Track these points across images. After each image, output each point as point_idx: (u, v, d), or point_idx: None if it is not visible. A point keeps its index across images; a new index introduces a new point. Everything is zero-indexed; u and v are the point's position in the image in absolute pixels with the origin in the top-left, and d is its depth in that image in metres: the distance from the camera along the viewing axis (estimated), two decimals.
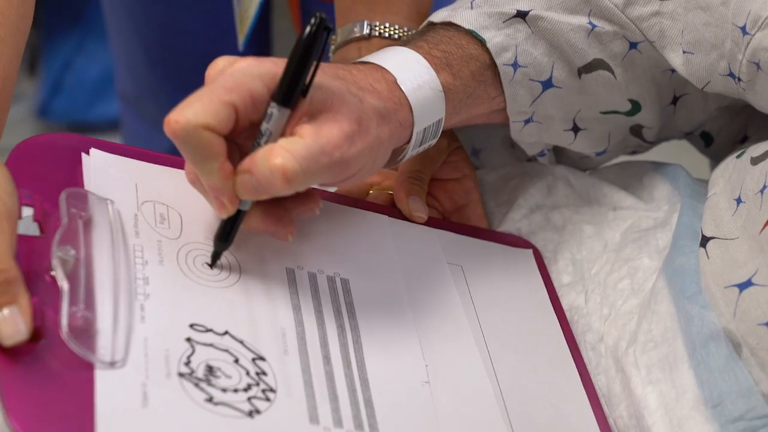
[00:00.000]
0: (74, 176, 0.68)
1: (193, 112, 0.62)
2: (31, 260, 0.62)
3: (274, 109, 0.64)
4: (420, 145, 0.74)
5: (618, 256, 0.79)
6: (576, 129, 0.81)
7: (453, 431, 0.66)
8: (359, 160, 0.67)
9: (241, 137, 0.66)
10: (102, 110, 1.90)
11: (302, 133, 0.64)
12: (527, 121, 0.79)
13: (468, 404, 0.68)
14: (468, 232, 0.81)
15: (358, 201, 0.78)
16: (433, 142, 0.75)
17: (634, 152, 0.88)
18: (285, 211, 0.69)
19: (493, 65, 0.76)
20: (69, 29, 1.94)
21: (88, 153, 0.70)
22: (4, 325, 0.58)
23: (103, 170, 0.69)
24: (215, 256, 0.68)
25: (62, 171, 0.68)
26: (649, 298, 0.73)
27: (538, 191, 0.84)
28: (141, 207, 0.69)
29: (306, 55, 0.63)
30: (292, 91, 0.64)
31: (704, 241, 0.72)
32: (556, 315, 0.77)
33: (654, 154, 0.88)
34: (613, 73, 0.78)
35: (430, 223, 0.79)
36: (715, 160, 0.87)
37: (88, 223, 0.65)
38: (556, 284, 0.80)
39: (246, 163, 0.64)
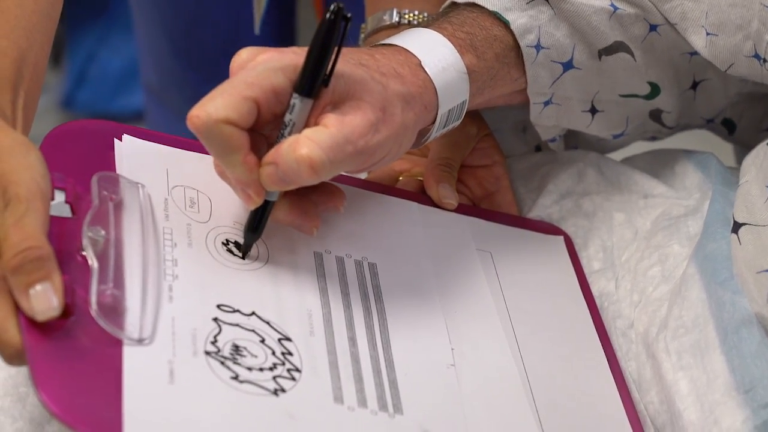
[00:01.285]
0: (106, 161, 0.70)
1: (215, 107, 0.64)
2: (63, 241, 0.64)
3: (296, 100, 0.66)
4: (444, 127, 0.75)
5: (648, 243, 0.80)
6: (594, 111, 0.82)
7: (477, 414, 0.68)
8: (384, 147, 0.68)
9: (267, 129, 0.67)
10: (125, 102, 1.93)
11: (326, 122, 0.66)
12: (546, 103, 0.81)
13: (493, 388, 0.70)
14: (498, 218, 0.82)
15: (387, 188, 0.80)
16: (457, 123, 0.76)
17: (653, 138, 0.90)
18: (311, 205, 0.70)
19: (517, 47, 0.78)
20: (93, 21, 1.97)
21: (120, 139, 0.72)
22: (36, 300, 0.60)
23: (134, 155, 0.71)
24: (246, 248, 0.69)
25: (94, 156, 0.70)
26: (680, 284, 0.75)
27: (569, 177, 0.86)
28: (171, 191, 0.71)
29: (325, 45, 0.65)
30: (313, 82, 0.65)
31: (736, 227, 0.73)
32: (587, 302, 0.79)
33: (680, 145, 0.89)
34: (633, 55, 0.80)
35: (460, 209, 0.80)
36: (741, 146, 0.89)
37: (118, 206, 0.67)
38: (586, 270, 0.81)
39: (271, 154, 0.66)
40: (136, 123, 1.79)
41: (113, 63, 1.95)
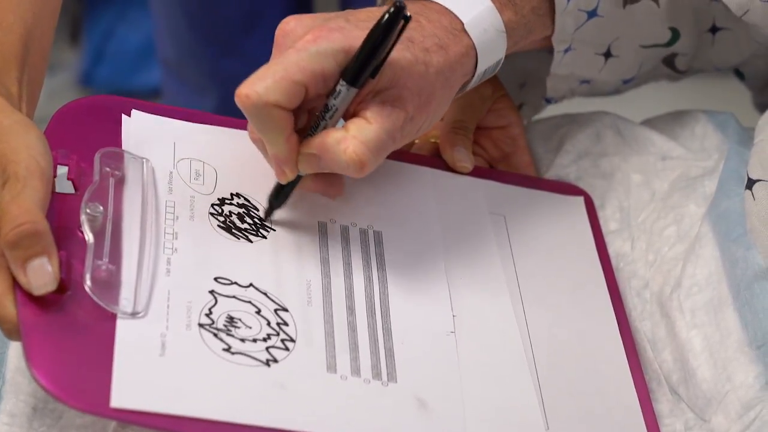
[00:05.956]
0: (113, 137, 0.76)
1: (265, 89, 0.69)
2: (64, 217, 0.69)
3: (342, 87, 0.71)
4: (478, 82, 0.80)
5: (665, 204, 0.84)
6: (608, 55, 0.86)
7: (475, 381, 0.72)
8: (419, 130, 0.75)
9: (309, 105, 0.73)
10: (143, 78, 2.00)
11: (369, 116, 0.71)
12: (567, 51, 0.85)
13: (493, 355, 0.74)
14: (515, 180, 0.86)
15: (401, 153, 0.84)
16: (490, 76, 0.81)
17: (670, 78, 0.93)
18: (336, 176, 0.76)
19: None
20: None
21: (128, 115, 0.77)
22: (33, 274, 0.65)
23: (141, 130, 0.76)
24: (269, 213, 0.76)
25: (102, 132, 0.76)
26: (694, 243, 0.78)
27: (587, 138, 0.89)
28: (177, 164, 0.76)
29: (381, 42, 0.70)
30: (362, 73, 0.71)
31: (750, 183, 0.77)
32: (602, 263, 0.82)
33: (700, 103, 0.93)
34: (657, 2, 0.83)
35: (476, 173, 0.84)
36: (753, 91, 0.92)
37: (120, 182, 0.73)
38: (602, 231, 0.85)
39: (315, 145, 0.71)
40: (154, 99, 1.85)
41: (131, 39, 2.01)
